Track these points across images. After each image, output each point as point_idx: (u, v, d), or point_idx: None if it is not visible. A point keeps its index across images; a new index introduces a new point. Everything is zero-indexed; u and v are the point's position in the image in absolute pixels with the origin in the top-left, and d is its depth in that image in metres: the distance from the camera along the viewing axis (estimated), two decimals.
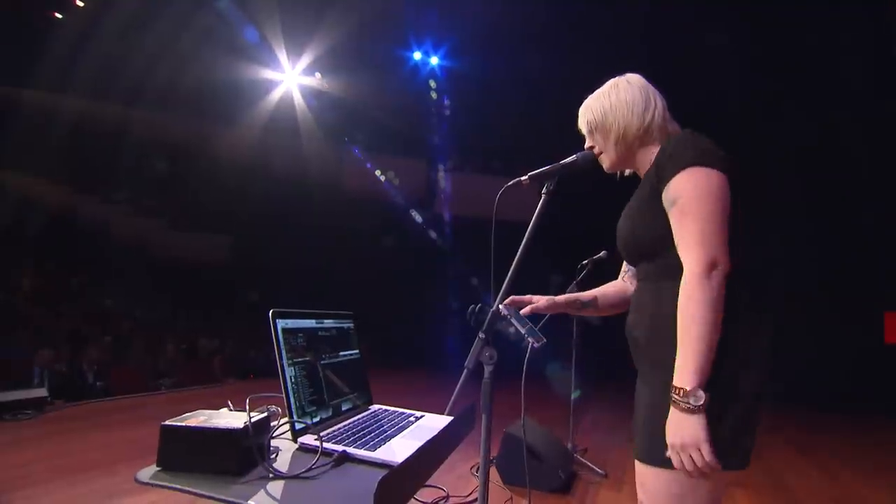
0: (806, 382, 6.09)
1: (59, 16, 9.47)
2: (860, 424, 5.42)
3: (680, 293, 0.98)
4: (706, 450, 0.93)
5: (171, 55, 9.21)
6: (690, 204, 1.00)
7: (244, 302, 10.31)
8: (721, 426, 0.97)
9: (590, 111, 1.27)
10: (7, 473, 2.73)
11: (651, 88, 1.24)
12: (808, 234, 6.15)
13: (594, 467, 3.25)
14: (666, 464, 1.00)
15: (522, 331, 1.31)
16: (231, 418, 0.72)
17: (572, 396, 3.51)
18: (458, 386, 1.40)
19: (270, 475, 0.68)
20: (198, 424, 0.70)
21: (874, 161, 5.78)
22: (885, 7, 5.08)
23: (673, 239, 1.03)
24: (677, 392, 0.95)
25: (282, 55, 10.20)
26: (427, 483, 2.87)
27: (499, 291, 1.35)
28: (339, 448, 0.76)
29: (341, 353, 1.08)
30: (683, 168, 1.02)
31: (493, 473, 3.05)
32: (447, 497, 2.68)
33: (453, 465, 3.23)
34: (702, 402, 0.92)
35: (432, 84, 10.58)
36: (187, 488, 0.67)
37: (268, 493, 0.65)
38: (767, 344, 1.04)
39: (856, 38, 5.37)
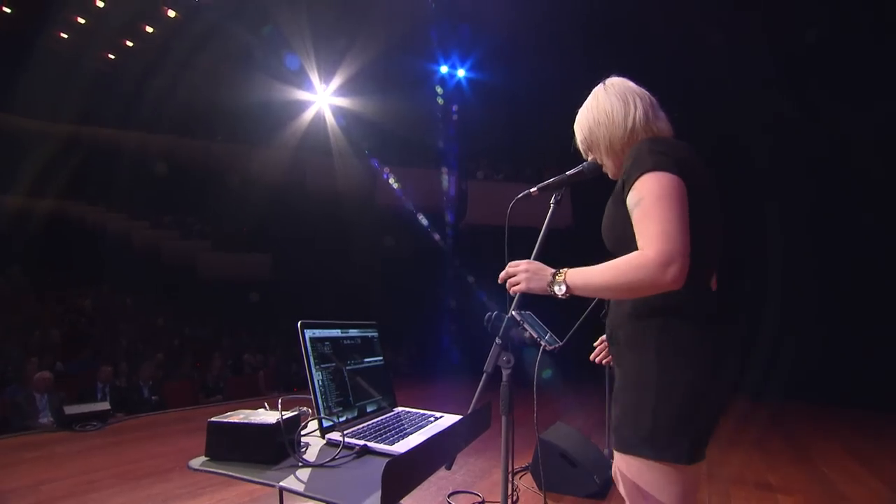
0: (863, 386, 5.78)
1: (112, 57, 10.26)
2: None
3: (633, 258, 1.02)
4: (517, 288, 1.17)
5: (213, 82, 9.79)
6: (650, 206, 1.04)
7: (285, 317, 10.67)
8: (656, 421, 1.02)
9: (580, 128, 1.32)
10: (78, 479, 2.97)
11: (630, 89, 1.26)
12: (862, 235, 5.92)
13: None
14: (637, 452, 1.06)
15: (536, 336, 1.37)
16: (266, 416, 0.82)
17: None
18: (479, 389, 1.47)
19: (299, 464, 0.77)
20: (238, 421, 0.79)
21: (866, 152, 5.52)
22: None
23: (633, 238, 1.06)
24: (560, 273, 1.11)
25: (314, 76, 10.64)
26: (464, 490, 2.94)
27: (513, 298, 1.42)
28: (361, 442, 0.84)
29: (365, 360, 1.17)
30: (644, 173, 1.07)
31: (530, 480, 3.07)
32: (483, 502, 2.72)
33: (489, 471, 3.27)
34: (559, 292, 1.11)
35: (451, 97, 10.73)
36: (229, 473, 0.76)
37: (297, 478, 0.74)
38: (722, 347, 1.07)
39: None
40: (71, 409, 4.30)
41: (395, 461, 0.67)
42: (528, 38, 8.27)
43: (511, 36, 8.52)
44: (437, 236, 11.27)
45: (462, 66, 10.64)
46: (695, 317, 1.05)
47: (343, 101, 11.11)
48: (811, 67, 5.86)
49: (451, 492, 2.88)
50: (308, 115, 11.35)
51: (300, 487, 0.74)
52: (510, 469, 1.55)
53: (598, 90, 1.27)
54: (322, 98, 11.09)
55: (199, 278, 11.50)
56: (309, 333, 0.98)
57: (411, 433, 0.99)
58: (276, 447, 0.77)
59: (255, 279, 11.47)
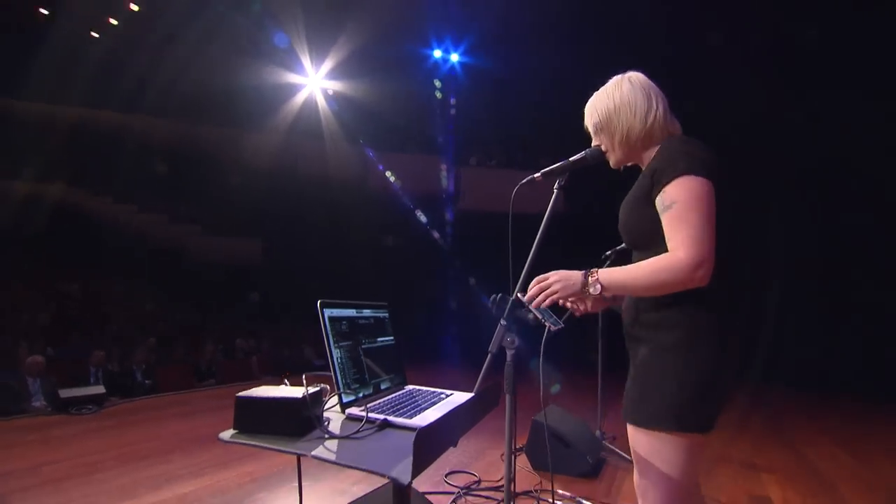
0: (842, 373, 5.99)
1: (96, 35, 9.98)
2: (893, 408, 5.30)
3: (665, 259, 1.11)
4: (552, 299, 1.23)
5: (200, 64, 9.58)
6: (684, 210, 1.11)
7: (277, 302, 10.67)
8: (681, 393, 1.12)
9: (595, 112, 1.36)
10: (78, 461, 3.01)
11: (653, 89, 1.31)
12: (844, 228, 6.06)
13: (623, 454, 3.31)
14: (660, 426, 1.15)
15: (541, 317, 1.42)
16: (291, 391, 0.86)
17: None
18: (484, 369, 1.52)
19: (325, 436, 0.82)
20: (266, 395, 0.83)
21: (860, 149, 5.64)
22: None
23: (658, 235, 1.15)
24: (593, 274, 1.20)
25: (305, 59, 10.48)
26: (460, 469, 3.02)
27: (517, 281, 1.47)
28: (381, 416, 0.89)
29: (378, 339, 1.22)
30: (677, 176, 1.13)
31: (524, 461, 3.16)
32: (479, 481, 2.81)
33: (483, 452, 3.36)
34: (593, 293, 1.19)
35: (445, 82, 10.65)
36: (261, 444, 0.79)
37: (326, 448, 0.78)
38: (737, 332, 1.17)
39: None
40: (66, 393, 4.31)
41: (425, 431, 0.72)
42: (523, 24, 8.22)
43: (505, 21, 8.45)
44: (428, 222, 11.29)
45: (455, 51, 10.54)
46: (716, 304, 1.15)
47: (335, 85, 10.98)
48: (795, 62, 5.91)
49: (447, 472, 2.96)
50: (299, 98, 11.20)
51: (332, 457, 0.78)
52: (513, 448, 1.62)
53: (621, 80, 1.31)
54: (314, 81, 10.95)
55: (189, 263, 11.40)
56: (328, 312, 1.02)
57: (426, 408, 1.04)
58: (303, 420, 0.81)
59: (245, 264, 11.42)
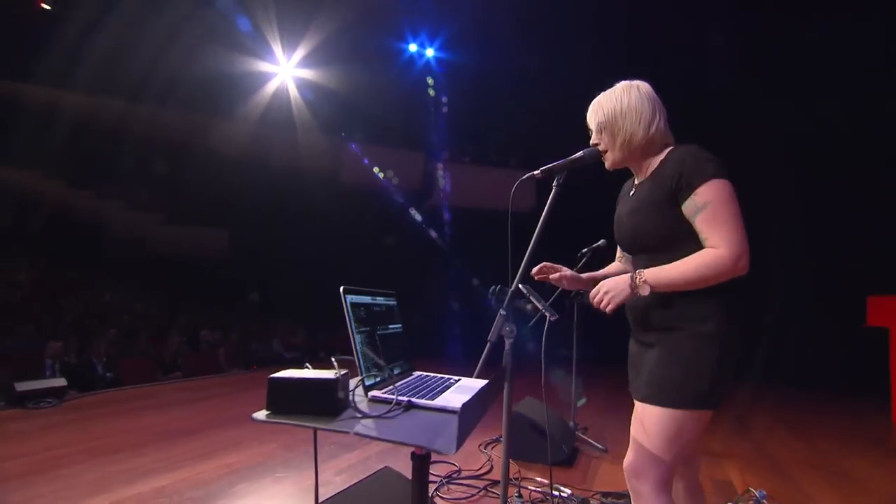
0: (796, 363, 6.37)
1: (46, 7, 9.40)
2: (843, 400, 5.70)
3: (709, 255, 1.22)
4: (612, 305, 1.30)
5: (166, 48, 9.20)
6: (720, 209, 1.23)
7: (244, 294, 10.42)
8: (713, 375, 1.24)
9: (601, 111, 1.41)
10: (43, 455, 2.89)
11: (657, 100, 1.39)
12: (795, 223, 6.39)
13: (594, 443, 3.46)
14: (671, 405, 1.25)
15: (540, 306, 1.49)
16: (321, 373, 0.88)
17: (578, 403, 3.73)
18: (483, 357, 1.58)
19: (359, 415, 0.84)
20: (300, 376, 0.85)
21: (857, 147, 5.96)
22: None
23: (677, 237, 1.26)
24: (640, 276, 1.28)
25: (276, 47, 10.22)
26: (440, 460, 3.07)
27: (516, 273, 1.53)
28: (405, 398, 0.93)
29: (390, 326, 1.26)
30: (709, 179, 1.24)
31: (501, 450, 3.24)
32: (459, 471, 2.87)
33: (466, 440, 3.42)
34: (644, 293, 1.28)
35: (429, 80, 10.64)
36: (303, 423, 0.81)
37: (364, 426, 0.81)
38: (744, 318, 1.31)
39: None
40: (22, 386, 4.10)
41: (467, 406, 0.77)
42: (498, 20, 8.27)
43: (481, 16, 8.48)
44: (402, 215, 11.26)
45: (431, 46, 10.53)
46: (738, 295, 1.28)
47: (307, 74, 10.76)
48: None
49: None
50: (270, 87, 10.93)
51: (374, 433, 0.81)
52: (507, 435, 1.68)
53: (630, 87, 1.39)
54: (285, 70, 10.70)
55: (151, 253, 10.97)
56: (350, 298, 1.05)
57: (443, 391, 1.09)
58: (336, 401, 0.84)
59: (212, 255, 11.08)
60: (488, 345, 1.51)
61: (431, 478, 2.74)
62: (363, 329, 1.04)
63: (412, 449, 0.88)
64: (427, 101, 10.80)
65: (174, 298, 10.02)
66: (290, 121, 11.21)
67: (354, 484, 1.82)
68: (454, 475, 2.81)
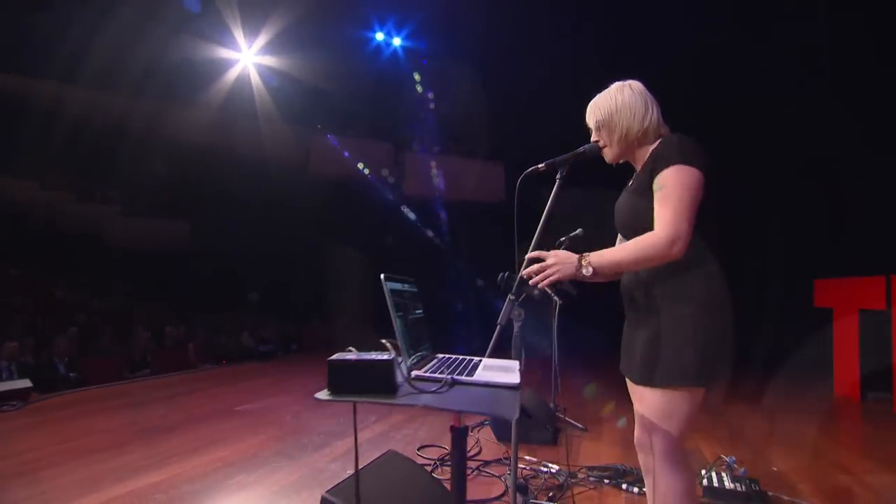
0: (750, 342, 6.79)
1: None
2: (792, 374, 6.15)
3: (648, 238, 1.31)
4: (551, 279, 1.38)
5: (120, 32, 8.73)
6: (669, 193, 1.31)
7: (210, 288, 10.11)
8: (698, 354, 1.32)
9: (599, 110, 1.52)
10: (19, 458, 2.78)
11: (649, 96, 1.50)
12: (746, 209, 6.78)
13: (575, 423, 3.64)
14: (658, 384, 1.35)
15: (549, 291, 1.59)
16: (374, 355, 0.94)
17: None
18: (493, 341, 1.66)
19: (415, 391, 0.91)
20: (358, 358, 0.90)
21: (803, 130, 6.25)
22: None
23: (649, 224, 1.33)
24: (586, 258, 1.36)
25: (238, 33, 9.87)
26: (430, 444, 3.16)
27: (521, 262, 1.62)
28: (449, 376, 1.00)
29: (416, 311, 1.32)
30: (669, 165, 1.33)
31: (488, 433, 3.36)
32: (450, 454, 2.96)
33: (447, 428, 3.52)
34: (587, 274, 1.37)
35: (386, 65, 10.53)
36: (371, 399, 0.87)
37: (425, 399, 0.88)
38: (728, 298, 1.39)
39: None
40: None
41: (518, 383, 0.85)
42: (465, 9, 8.26)
43: (447, 6, 8.46)
44: (370, 207, 11.19)
45: (398, 35, 10.43)
46: (720, 278, 1.37)
47: (270, 61, 10.45)
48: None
49: (419, 446, 3.10)
50: (232, 74, 10.56)
51: (439, 404, 0.88)
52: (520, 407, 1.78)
53: (623, 86, 1.49)
54: (246, 57, 10.36)
55: (106, 246, 10.46)
56: (389, 285, 1.11)
57: (474, 369, 1.17)
58: (392, 380, 0.90)
59: (172, 247, 10.68)
60: (498, 328, 1.61)
61: (425, 461, 2.84)
62: (399, 314, 1.10)
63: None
64: (395, 91, 10.72)
65: (134, 294, 9.62)
66: (253, 109, 10.89)
67: (364, 467, 1.88)
68: (446, 458, 2.91)
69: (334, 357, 0.91)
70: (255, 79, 10.74)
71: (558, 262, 1.40)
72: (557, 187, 1.66)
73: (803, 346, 5.52)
